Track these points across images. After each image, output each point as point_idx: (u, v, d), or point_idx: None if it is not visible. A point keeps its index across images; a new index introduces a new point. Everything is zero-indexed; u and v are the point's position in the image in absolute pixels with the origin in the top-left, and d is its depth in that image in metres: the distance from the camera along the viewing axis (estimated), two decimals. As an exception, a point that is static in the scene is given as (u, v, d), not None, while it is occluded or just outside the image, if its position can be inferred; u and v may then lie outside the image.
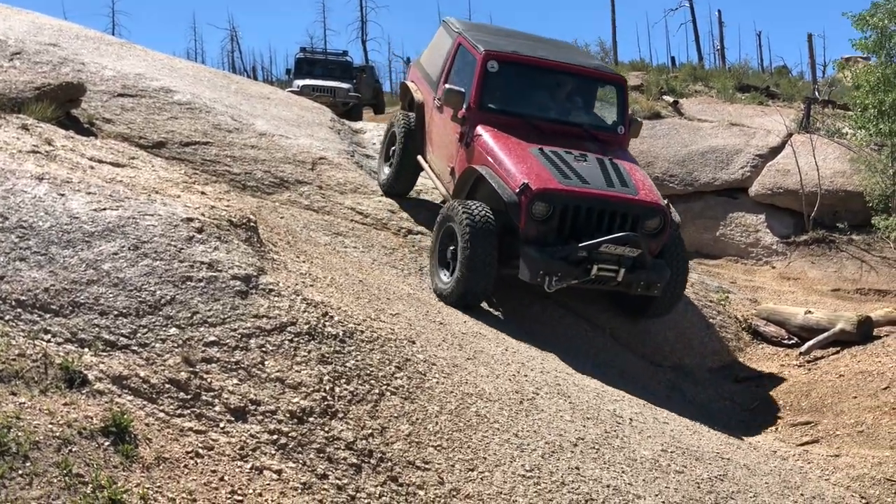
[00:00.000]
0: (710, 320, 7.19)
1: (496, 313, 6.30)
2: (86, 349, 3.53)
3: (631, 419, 4.39)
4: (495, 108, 6.66)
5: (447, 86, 6.74)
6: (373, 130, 11.45)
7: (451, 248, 6.01)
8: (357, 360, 3.79)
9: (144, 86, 8.56)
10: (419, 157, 7.58)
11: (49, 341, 3.54)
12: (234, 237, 4.30)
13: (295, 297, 4.01)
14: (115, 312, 3.68)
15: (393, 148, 7.93)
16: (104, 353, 3.51)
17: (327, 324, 3.93)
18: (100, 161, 5.26)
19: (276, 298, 3.94)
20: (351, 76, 20.70)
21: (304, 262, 5.00)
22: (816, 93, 22.10)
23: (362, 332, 4.02)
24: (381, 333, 4.09)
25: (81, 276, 3.80)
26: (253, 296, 3.89)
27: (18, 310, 3.67)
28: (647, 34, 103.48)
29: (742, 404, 6.10)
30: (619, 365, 6.08)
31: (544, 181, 5.80)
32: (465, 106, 6.55)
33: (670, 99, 16.32)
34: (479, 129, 6.43)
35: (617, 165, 6.25)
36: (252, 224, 4.74)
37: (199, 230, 4.16)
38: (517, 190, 5.75)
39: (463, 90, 6.59)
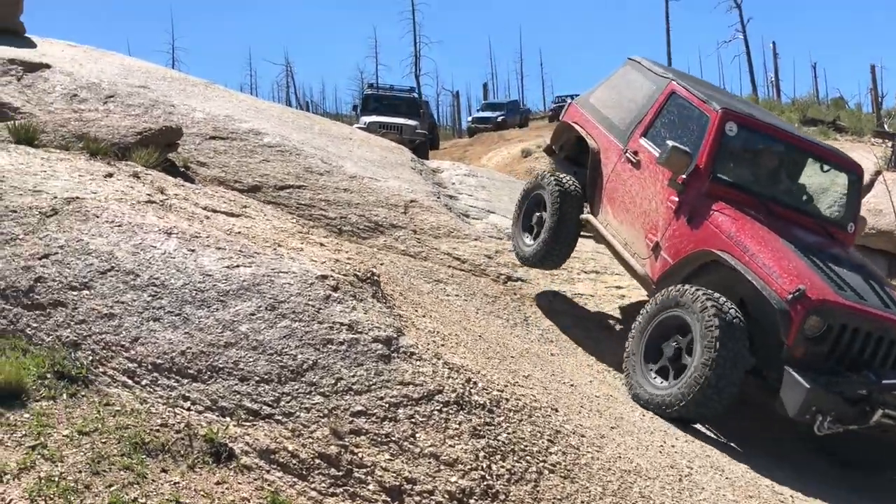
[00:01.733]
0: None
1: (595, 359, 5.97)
2: (228, 418, 3.34)
3: (792, 496, 4.04)
4: (727, 180, 5.51)
5: (671, 143, 5.36)
6: (450, 170, 11.32)
7: (673, 343, 4.88)
8: (509, 434, 3.53)
9: (234, 128, 8.53)
10: (588, 216, 6.43)
11: (189, 409, 3.36)
12: (367, 294, 4.11)
13: (437, 362, 3.77)
14: (256, 378, 3.49)
15: (538, 214, 6.76)
16: (248, 424, 3.32)
17: (473, 391, 3.68)
18: (214, 210, 5.15)
19: (418, 363, 3.71)
20: (417, 113, 20.70)
21: (423, 316, 4.79)
22: (886, 126, 21.51)
23: (507, 399, 3.76)
24: (525, 402, 3.83)
25: (219, 339, 3.62)
26: (396, 360, 3.67)
27: (155, 374, 3.51)
28: (699, 66, 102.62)
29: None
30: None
31: (821, 290, 4.64)
32: (687, 172, 5.37)
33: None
34: (715, 206, 5.27)
35: (876, 277, 5.25)
36: (376, 278, 4.55)
37: (335, 288, 3.97)
38: (789, 296, 4.57)
39: (689, 151, 5.38)
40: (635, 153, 5.98)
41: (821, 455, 5.21)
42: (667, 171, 5.46)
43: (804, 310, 4.54)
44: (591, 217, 6.40)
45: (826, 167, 6.05)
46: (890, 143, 16.72)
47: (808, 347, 4.58)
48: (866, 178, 13.34)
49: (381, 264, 6.63)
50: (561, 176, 6.64)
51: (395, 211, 7.82)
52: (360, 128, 17.43)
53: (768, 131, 5.82)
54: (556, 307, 6.78)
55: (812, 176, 6.22)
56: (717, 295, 4.80)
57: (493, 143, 24.14)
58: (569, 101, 7.58)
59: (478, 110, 37.41)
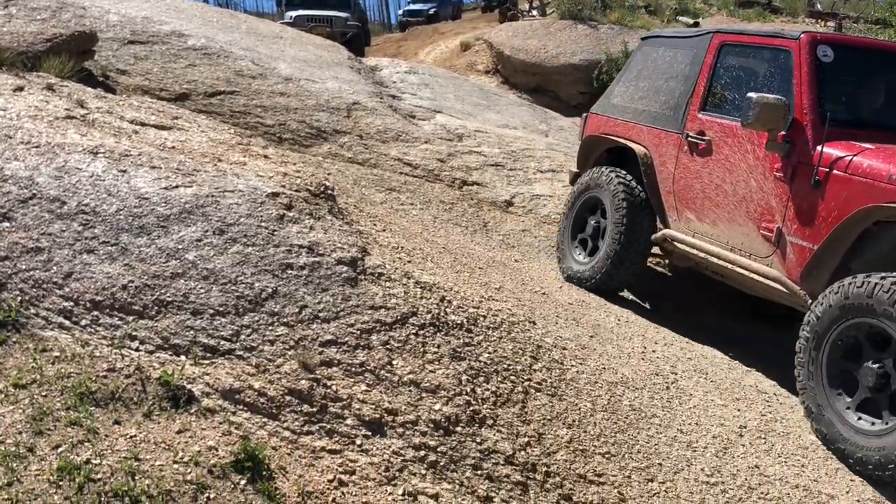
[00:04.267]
0: None
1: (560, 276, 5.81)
2: (183, 357, 3.02)
3: (776, 395, 3.97)
4: (845, 117, 4.20)
5: (754, 96, 4.05)
6: (389, 67, 10.76)
7: (593, 222, 4.59)
8: (490, 353, 3.31)
9: (154, 30, 7.80)
10: (665, 232, 5.06)
11: (138, 350, 3.02)
12: (324, 211, 3.76)
13: (407, 281, 3.49)
14: (211, 311, 3.15)
15: (593, 222, 5.49)
16: (206, 362, 3.01)
17: (448, 311, 3.42)
18: (142, 124, 4.64)
19: (388, 284, 3.42)
20: (347, 4, 19.23)
21: (383, 230, 4.47)
22: (818, 5, 21.48)
23: (484, 316, 3.53)
24: (502, 317, 3.60)
25: (163, 269, 3.25)
26: (363, 282, 3.37)
27: (95, 312, 3.14)
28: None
29: None
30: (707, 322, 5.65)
31: None
32: (787, 125, 4.14)
33: (687, 20, 15.59)
34: (844, 149, 3.94)
35: None
36: (330, 192, 4.19)
37: (288, 207, 3.61)
38: None
39: (782, 98, 4.10)
40: (700, 133, 4.75)
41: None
42: (759, 133, 4.25)
43: None
44: (667, 231, 5.03)
45: None
46: (826, 23, 16.66)
47: None
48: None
49: (329, 174, 6.23)
50: (622, 173, 5.35)
51: (338, 115, 7.34)
52: (285, 23, 16.24)
53: (868, 47, 4.67)
54: (515, 210, 6.53)
55: None
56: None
57: (427, 38, 23.19)
58: (583, 115, 6.10)
59: (408, 3, 35.87)
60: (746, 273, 4.38)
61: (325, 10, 17.95)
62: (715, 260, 4.60)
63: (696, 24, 15.21)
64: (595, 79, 13.17)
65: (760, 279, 4.30)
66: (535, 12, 21.80)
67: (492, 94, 11.19)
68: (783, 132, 4.12)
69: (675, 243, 4.93)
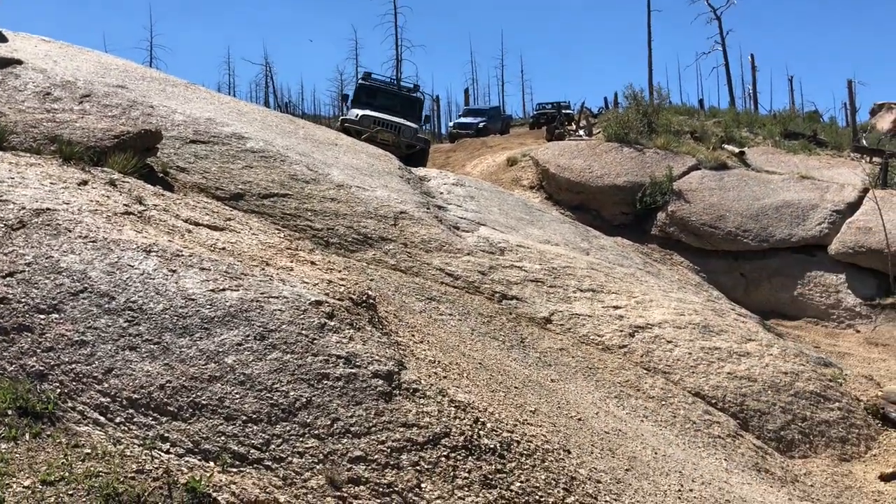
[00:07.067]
0: (832, 403, 6.53)
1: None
2: (212, 463, 3.00)
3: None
4: None
5: None
6: (438, 178, 11.01)
7: None
8: (522, 482, 3.22)
9: (216, 131, 8.14)
10: None
11: (169, 452, 3.01)
12: (364, 321, 3.77)
13: (442, 399, 3.45)
14: (244, 417, 3.14)
15: None
16: (234, 470, 2.98)
17: (482, 433, 3.36)
18: (196, 223, 4.79)
19: (422, 401, 3.38)
20: (419, 115, 17.36)
21: (420, 342, 4.46)
22: (864, 141, 21.60)
23: (518, 442, 3.45)
24: (536, 444, 3.52)
25: (202, 371, 3.28)
26: (398, 398, 3.34)
27: (131, 410, 3.15)
28: (679, 78, 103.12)
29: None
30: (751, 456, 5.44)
31: None
32: None
33: (733, 149, 15.78)
34: None
35: None
36: (372, 301, 4.22)
37: (330, 315, 3.64)
38: None
39: None
40: None
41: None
42: None
43: None
44: None
45: None
46: (870, 159, 16.71)
47: None
48: (853, 195, 13.27)
49: (372, 280, 6.30)
50: None
51: (385, 223, 7.48)
52: (347, 120, 15.82)
53: None
54: (553, 328, 6.49)
55: None
56: None
57: (475, 150, 23.80)
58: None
59: (459, 115, 37.09)
60: None
61: (395, 117, 16.08)
62: None
63: (742, 154, 15.38)
64: (639, 201, 13.30)
65: None
66: (581, 132, 22.32)
67: (535, 210, 11.34)
68: None
69: None
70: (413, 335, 4.55)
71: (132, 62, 10.68)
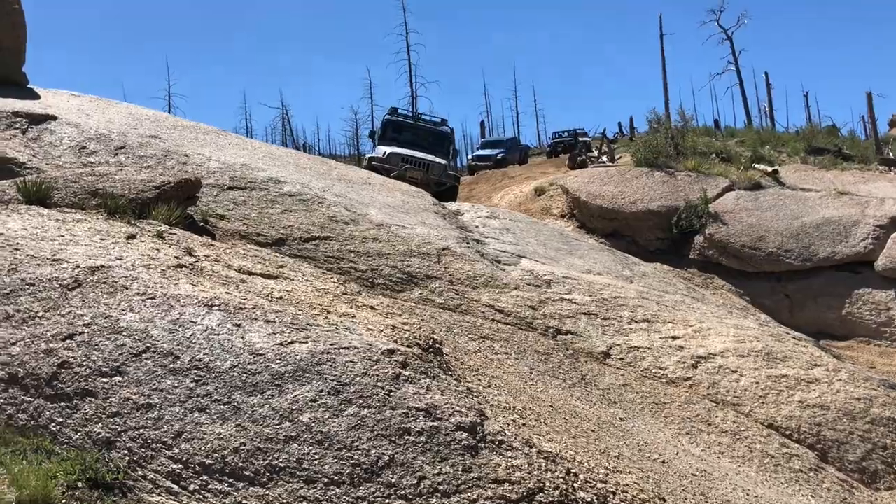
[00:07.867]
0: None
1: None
2: (295, 532, 2.80)
3: None
4: None
5: None
6: (471, 212, 10.87)
7: None
8: (626, 538, 2.99)
9: (252, 177, 8.05)
10: None
11: (248, 522, 2.82)
12: (436, 369, 3.58)
13: (529, 451, 3.24)
14: (325, 479, 2.95)
15: None
16: (319, 538, 2.78)
17: (576, 486, 3.14)
18: (249, 272, 4.64)
19: (509, 454, 3.17)
20: (448, 150, 16.88)
21: (488, 386, 4.26)
22: (891, 153, 21.29)
23: (614, 493, 3.22)
24: (632, 493, 3.29)
25: (277, 432, 3.09)
26: (484, 451, 3.13)
27: (205, 476, 2.97)
28: (692, 99, 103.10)
29: None
30: None
31: None
32: None
33: (766, 168, 15.53)
34: None
35: None
36: (438, 346, 4.03)
37: (404, 364, 3.45)
38: None
39: None
40: None
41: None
42: None
43: None
44: None
45: None
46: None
47: None
48: (895, 209, 12.94)
49: (422, 320, 6.11)
50: None
51: (429, 260, 7.31)
52: (374, 158, 15.44)
53: None
54: (612, 363, 6.25)
55: None
56: None
57: (497, 181, 23.69)
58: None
59: (477, 148, 37.07)
60: None
61: (423, 153, 15.59)
62: None
63: (776, 173, 15.13)
64: (675, 225, 13.07)
65: None
66: (604, 158, 22.18)
67: (572, 239, 11.14)
68: None
69: None
70: (479, 379, 4.35)
71: (161, 112, 10.70)
